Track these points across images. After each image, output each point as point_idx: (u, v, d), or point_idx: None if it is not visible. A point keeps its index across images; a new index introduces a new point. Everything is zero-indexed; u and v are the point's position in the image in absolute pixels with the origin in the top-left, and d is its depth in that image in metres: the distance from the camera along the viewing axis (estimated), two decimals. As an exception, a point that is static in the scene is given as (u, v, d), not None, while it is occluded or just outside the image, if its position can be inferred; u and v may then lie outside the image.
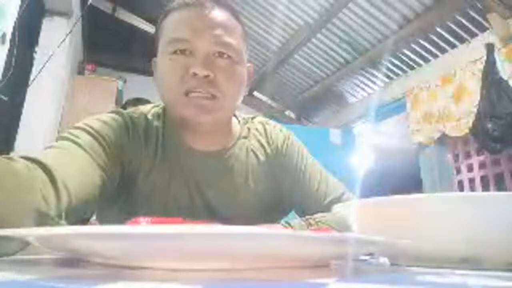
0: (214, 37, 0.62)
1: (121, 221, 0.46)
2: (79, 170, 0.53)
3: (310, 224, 0.64)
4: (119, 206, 0.66)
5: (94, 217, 0.81)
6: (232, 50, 0.64)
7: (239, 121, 0.76)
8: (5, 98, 1.87)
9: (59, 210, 0.47)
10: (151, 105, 0.73)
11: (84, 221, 0.95)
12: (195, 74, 0.60)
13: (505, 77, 2.21)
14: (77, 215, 0.54)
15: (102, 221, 0.72)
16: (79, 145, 0.56)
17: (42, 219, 0.43)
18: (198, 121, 0.63)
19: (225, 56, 0.63)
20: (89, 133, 0.59)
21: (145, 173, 0.65)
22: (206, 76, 0.60)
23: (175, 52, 0.62)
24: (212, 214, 0.67)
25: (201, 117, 0.62)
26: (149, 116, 0.69)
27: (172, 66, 0.62)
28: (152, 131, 0.68)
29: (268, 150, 0.74)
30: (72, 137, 0.57)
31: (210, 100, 0.61)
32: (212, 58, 0.62)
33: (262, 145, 0.75)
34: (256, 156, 0.73)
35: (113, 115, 0.66)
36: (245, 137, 0.74)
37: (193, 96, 0.61)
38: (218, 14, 0.64)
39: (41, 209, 0.44)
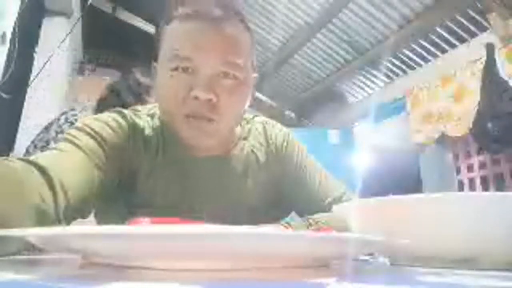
0: (220, 57, 0.58)
1: (121, 221, 0.46)
2: (76, 171, 0.53)
3: (310, 224, 0.64)
4: (119, 206, 0.66)
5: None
6: (239, 70, 0.60)
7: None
8: (5, 96, 1.87)
9: (56, 211, 0.47)
10: (152, 105, 0.73)
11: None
12: (196, 98, 0.57)
13: (505, 77, 2.21)
14: (75, 215, 0.54)
15: (101, 221, 0.72)
16: (78, 147, 0.56)
17: (41, 219, 0.43)
18: (197, 143, 0.61)
19: (231, 76, 0.59)
20: (88, 134, 0.59)
21: (145, 174, 0.65)
22: (209, 100, 0.57)
23: (176, 69, 0.58)
24: (212, 215, 0.66)
25: (201, 140, 0.60)
26: (150, 117, 0.69)
27: (173, 84, 0.59)
28: (153, 132, 0.67)
29: (268, 150, 0.74)
30: (71, 138, 0.57)
31: (210, 123, 0.58)
32: (216, 79, 0.58)
33: (262, 145, 0.74)
34: (256, 156, 0.73)
35: (114, 115, 0.65)
36: (245, 138, 0.73)
37: (193, 120, 0.58)
38: (225, 29, 0.59)
39: (40, 209, 0.44)
